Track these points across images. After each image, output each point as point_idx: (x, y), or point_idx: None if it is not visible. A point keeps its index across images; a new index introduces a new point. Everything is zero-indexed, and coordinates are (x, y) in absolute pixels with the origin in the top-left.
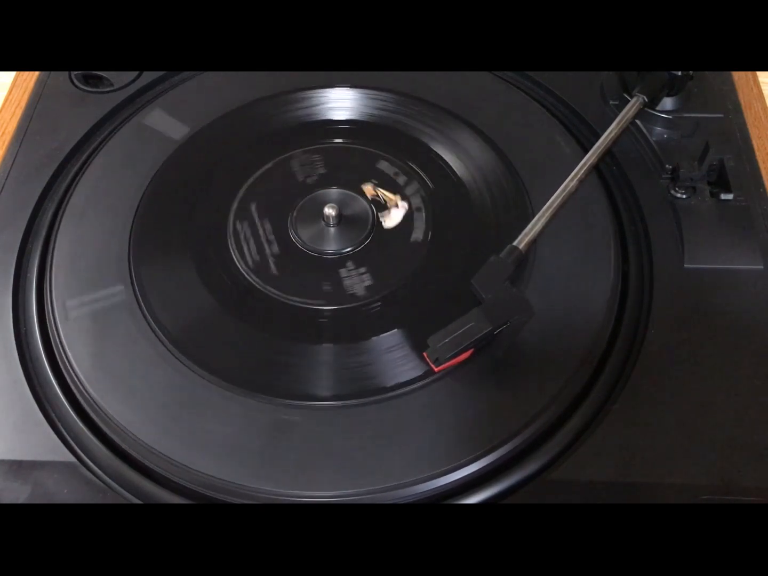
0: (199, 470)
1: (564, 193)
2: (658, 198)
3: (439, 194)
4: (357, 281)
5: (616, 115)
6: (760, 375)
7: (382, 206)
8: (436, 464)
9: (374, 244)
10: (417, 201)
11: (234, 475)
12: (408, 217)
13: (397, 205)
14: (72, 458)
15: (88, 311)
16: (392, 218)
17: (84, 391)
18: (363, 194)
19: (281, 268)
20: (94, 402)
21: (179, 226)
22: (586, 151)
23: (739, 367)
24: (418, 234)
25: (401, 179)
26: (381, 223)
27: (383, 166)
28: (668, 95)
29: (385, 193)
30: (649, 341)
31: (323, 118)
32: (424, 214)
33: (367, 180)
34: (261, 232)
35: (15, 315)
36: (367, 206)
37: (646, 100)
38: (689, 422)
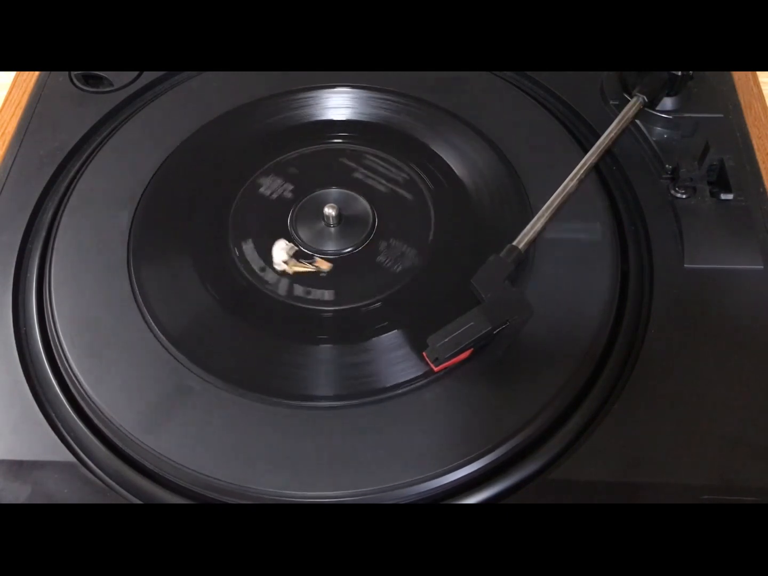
0: (199, 470)
1: (564, 193)
2: (658, 198)
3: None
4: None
5: (616, 115)
6: (760, 375)
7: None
8: (436, 464)
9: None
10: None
11: (234, 475)
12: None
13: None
14: (72, 458)
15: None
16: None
17: (84, 391)
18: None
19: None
20: (94, 402)
21: (179, 226)
22: (586, 151)
23: (739, 367)
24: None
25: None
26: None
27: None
28: (668, 95)
29: (305, 267)
30: (649, 341)
31: (323, 118)
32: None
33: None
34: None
35: (15, 315)
36: (368, 206)
37: (646, 100)
38: (689, 422)
